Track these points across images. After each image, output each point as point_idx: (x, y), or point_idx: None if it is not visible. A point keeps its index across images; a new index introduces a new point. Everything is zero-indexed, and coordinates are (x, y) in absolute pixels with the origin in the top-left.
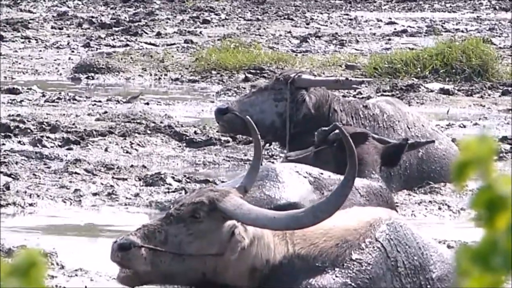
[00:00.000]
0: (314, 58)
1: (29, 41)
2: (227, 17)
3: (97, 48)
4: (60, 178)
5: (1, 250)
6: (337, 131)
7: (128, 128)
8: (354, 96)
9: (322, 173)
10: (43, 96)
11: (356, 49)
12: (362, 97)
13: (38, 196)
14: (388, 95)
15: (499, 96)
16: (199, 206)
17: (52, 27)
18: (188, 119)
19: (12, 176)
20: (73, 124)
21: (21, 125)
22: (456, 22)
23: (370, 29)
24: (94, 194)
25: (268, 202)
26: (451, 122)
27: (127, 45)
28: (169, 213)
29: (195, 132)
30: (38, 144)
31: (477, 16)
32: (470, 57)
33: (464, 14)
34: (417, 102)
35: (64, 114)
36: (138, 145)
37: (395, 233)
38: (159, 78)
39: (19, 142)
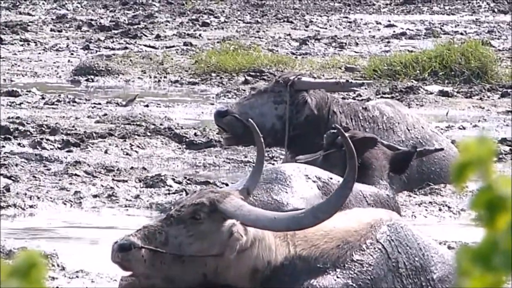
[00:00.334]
0: (313, 60)
1: (28, 44)
2: (226, 20)
3: (96, 51)
4: (60, 180)
5: (1, 252)
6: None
7: (128, 130)
8: (353, 98)
9: (331, 178)
10: (43, 98)
11: (355, 52)
12: (362, 99)
13: (38, 198)
14: (387, 97)
15: (498, 98)
16: (199, 208)
17: (51, 30)
18: (188, 121)
19: (12, 178)
20: (73, 126)
21: (20, 127)
22: (455, 25)
23: (370, 31)
24: (94, 196)
25: (275, 207)
26: (450, 124)
27: (127, 47)
28: (169, 214)
29: (195, 134)
30: (38, 147)
31: (476, 19)
32: (469, 59)
33: (463, 16)
34: (417, 104)
35: (63, 117)
36: (138, 147)
37: (396, 234)
38: (159, 81)
39: (19, 144)
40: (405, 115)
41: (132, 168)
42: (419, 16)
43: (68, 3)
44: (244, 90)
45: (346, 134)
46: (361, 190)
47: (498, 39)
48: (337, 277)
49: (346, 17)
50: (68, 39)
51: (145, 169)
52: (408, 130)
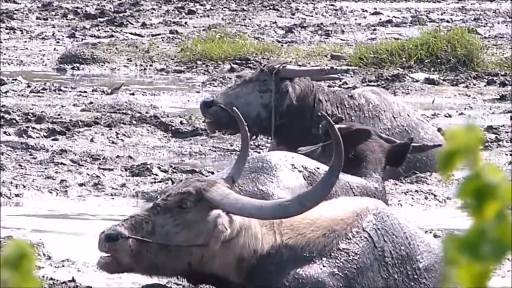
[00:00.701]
0: (299, 48)
1: (14, 32)
2: (212, 8)
3: (82, 39)
4: (46, 168)
5: None
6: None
7: (113, 119)
8: (339, 86)
9: (318, 168)
10: (29, 87)
11: (341, 39)
12: (348, 87)
13: (24, 186)
14: (373, 85)
15: (484, 85)
16: (186, 196)
17: (37, 18)
18: (174, 109)
19: None
20: (59, 114)
21: (6, 116)
22: (441, 12)
23: (355, 19)
24: (80, 185)
25: (260, 197)
26: (436, 111)
27: (112, 35)
28: (156, 204)
29: (181, 123)
30: (23, 135)
31: (462, 6)
32: (455, 47)
33: (449, 4)
34: (403, 92)
35: (49, 105)
36: (124, 135)
37: (382, 223)
38: (145, 69)
39: (5, 133)
40: (391, 103)
41: (118, 156)
42: (405, 3)
43: None
44: (230, 78)
45: (343, 125)
46: (348, 181)
47: (484, 26)
48: (323, 266)
49: (332, 5)
50: (54, 27)
51: (131, 157)
52: (394, 118)
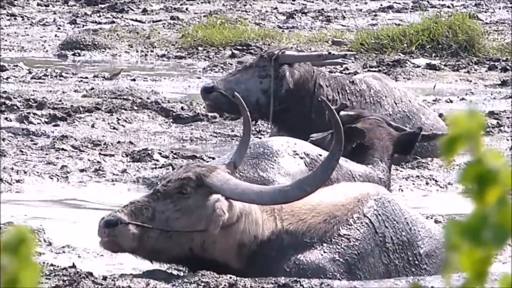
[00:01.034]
0: (300, 34)
1: (15, 18)
2: None
3: (83, 25)
4: (47, 154)
5: None
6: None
7: (114, 104)
8: (340, 72)
9: (320, 154)
10: (30, 73)
11: (342, 25)
12: (349, 73)
13: (25, 172)
14: (374, 71)
15: (486, 71)
16: (186, 182)
17: (38, 4)
18: (174, 95)
19: None
20: (60, 100)
21: (7, 102)
22: None
23: (356, 5)
24: (81, 171)
25: (261, 183)
26: (437, 97)
27: (113, 22)
28: (156, 190)
29: (182, 108)
30: (24, 121)
31: None
32: (456, 32)
33: None
34: (404, 78)
35: (50, 91)
36: (125, 121)
37: (383, 208)
38: (146, 55)
39: (6, 118)
40: (392, 89)
41: (119, 142)
42: None
43: None
44: (231, 64)
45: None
46: (350, 170)
47: (485, 12)
48: (324, 251)
49: None
50: (55, 13)
51: (132, 143)
52: (395, 103)
